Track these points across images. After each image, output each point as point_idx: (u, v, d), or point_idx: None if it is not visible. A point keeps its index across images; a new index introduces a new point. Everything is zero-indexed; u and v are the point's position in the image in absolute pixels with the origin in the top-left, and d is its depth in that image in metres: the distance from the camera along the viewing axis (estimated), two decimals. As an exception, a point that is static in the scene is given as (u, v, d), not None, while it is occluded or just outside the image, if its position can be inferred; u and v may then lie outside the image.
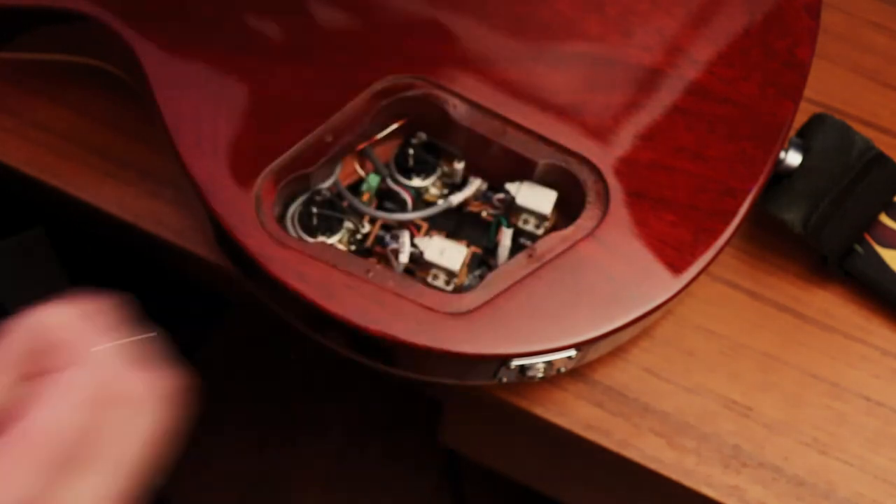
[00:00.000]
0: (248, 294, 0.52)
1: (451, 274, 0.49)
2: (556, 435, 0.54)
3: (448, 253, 0.49)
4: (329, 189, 0.51)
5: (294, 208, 0.50)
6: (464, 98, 0.51)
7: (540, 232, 0.51)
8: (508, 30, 0.53)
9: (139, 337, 0.37)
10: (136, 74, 0.51)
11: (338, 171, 0.51)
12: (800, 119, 0.56)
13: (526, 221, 0.51)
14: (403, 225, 0.51)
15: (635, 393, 0.54)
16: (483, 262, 0.52)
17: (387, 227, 0.52)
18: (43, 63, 0.57)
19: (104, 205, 0.56)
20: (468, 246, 0.52)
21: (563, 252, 0.48)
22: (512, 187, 0.51)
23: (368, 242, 0.51)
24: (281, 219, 0.50)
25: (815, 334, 0.56)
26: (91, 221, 0.60)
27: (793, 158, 0.54)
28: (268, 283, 0.47)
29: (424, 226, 0.52)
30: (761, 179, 0.50)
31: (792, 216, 0.54)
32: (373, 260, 0.49)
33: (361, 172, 0.52)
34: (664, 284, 0.48)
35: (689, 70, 0.52)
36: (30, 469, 0.32)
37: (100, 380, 0.34)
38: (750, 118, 0.51)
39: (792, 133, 0.55)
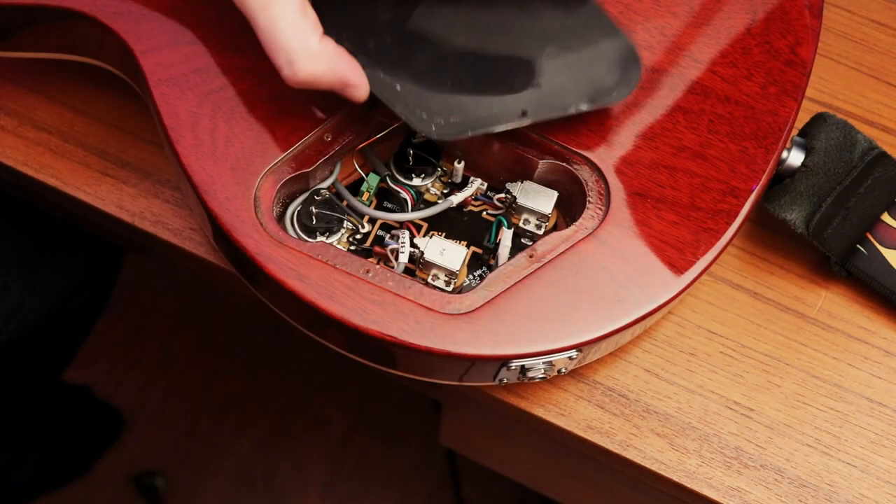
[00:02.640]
0: (250, 296, 0.51)
1: (451, 274, 0.49)
2: (557, 436, 0.54)
3: (448, 253, 0.49)
4: (328, 189, 0.51)
5: (293, 208, 0.50)
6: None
7: (540, 232, 0.51)
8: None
9: None
10: (134, 74, 0.51)
11: (337, 170, 0.51)
12: (802, 118, 0.56)
13: (527, 221, 0.51)
14: (403, 225, 0.51)
15: (636, 394, 0.54)
16: (483, 262, 0.51)
17: (387, 227, 0.51)
18: (41, 62, 0.56)
19: (102, 204, 0.56)
20: (468, 246, 0.51)
21: (564, 252, 0.48)
22: (513, 187, 0.51)
23: (368, 242, 0.51)
24: (280, 219, 0.50)
25: (818, 335, 0.55)
26: (89, 221, 0.60)
27: (795, 158, 0.54)
28: (267, 284, 0.47)
29: (424, 226, 0.52)
30: (763, 179, 0.50)
31: (794, 216, 0.53)
32: (372, 260, 0.49)
33: (361, 172, 0.52)
34: (665, 284, 0.48)
35: (690, 69, 0.52)
36: None
37: None
38: (752, 117, 0.51)
39: (794, 132, 0.55)
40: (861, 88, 0.61)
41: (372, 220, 0.51)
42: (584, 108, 0.48)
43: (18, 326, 0.68)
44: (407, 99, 0.47)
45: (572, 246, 0.48)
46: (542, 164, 0.50)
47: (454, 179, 0.53)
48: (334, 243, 0.50)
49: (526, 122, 0.48)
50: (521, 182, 0.51)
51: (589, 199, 0.49)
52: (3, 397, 0.78)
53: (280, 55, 0.43)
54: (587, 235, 0.48)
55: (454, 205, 0.51)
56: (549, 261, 0.48)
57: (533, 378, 0.48)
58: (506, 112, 0.48)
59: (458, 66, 0.48)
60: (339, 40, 0.47)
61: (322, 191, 0.50)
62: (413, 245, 0.49)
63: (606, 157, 0.50)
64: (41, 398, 0.91)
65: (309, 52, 0.43)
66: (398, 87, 0.48)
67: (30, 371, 0.78)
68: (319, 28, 0.44)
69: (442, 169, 0.53)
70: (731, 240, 0.49)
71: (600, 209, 0.49)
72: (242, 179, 0.47)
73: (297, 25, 0.43)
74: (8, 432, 0.89)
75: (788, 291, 0.56)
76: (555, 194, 0.51)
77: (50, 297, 0.70)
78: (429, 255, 0.49)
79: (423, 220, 0.52)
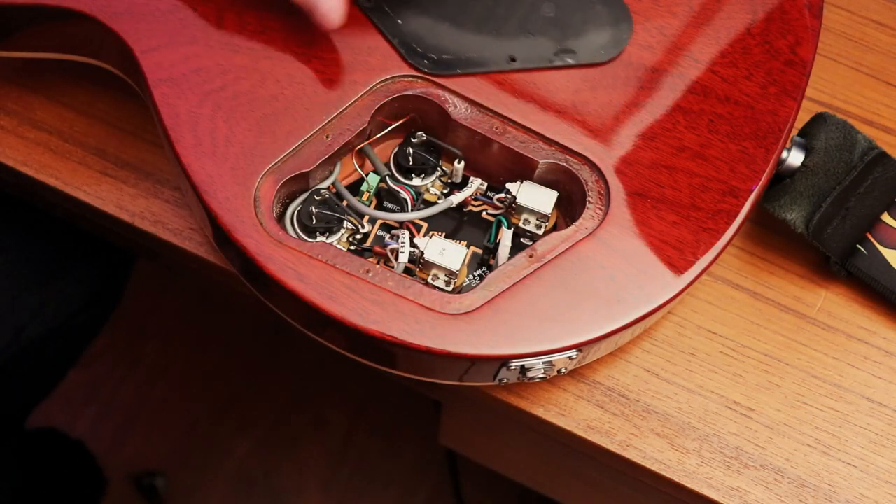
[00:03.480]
0: (250, 298, 0.51)
1: (451, 274, 0.49)
2: (557, 436, 0.54)
3: (448, 253, 0.49)
4: (328, 189, 0.51)
5: (293, 208, 0.50)
6: (463, 97, 0.50)
7: (540, 232, 0.51)
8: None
9: None
10: (133, 74, 0.51)
11: (337, 170, 0.51)
12: (802, 118, 0.56)
13: (526, 221, 0.51)
14: (403, 225, 0.51)
15: (636, 394, 0.54)
16: (483, 262, 0.51)
17: (387, 226, 0.51)
18: (41, 62, 0.56)
19: (102, 204, 0.56)
20: (468, 246, 0.51)
21: (564, 252, 0.48)
22: (513, 187, 0.51)
23: (368, 242, 0.51)
24: (280, 219, 0.50)
25: (817, 335, 0.55)
26: (89, 221, 0.60)
27: (795, 158, 0.54)
28: (267, 284, 0.47)
29: (424, 226, 0.52)
30: (763, 179, 0.50)
31: (794, 216, 0.53)
32: (372, 260, 0.49)
33: (361, 172, 0.52)
34: (665, 284, 0.48)
35: (690, 69, 0.52)
36: None
37: None
38: (752, 117, 0.51)
39: (794, 132, 0.55)
40: (861, 88, 0.61)
41: (372, 220, 0.51)
42: (570, 61, 0.51)
43: (31, 336, 0.68)
44: (404, 31, 0.51)
45: (572, 246, 0.48)
46: (542, 164, 0.50)
47: (454, 179, 0.53)
48: (334, 243, 0.50)
49: (514, 67, 0.51)
50: (521, 182, 0.51)
51: (589, 199, 0.49)
52: (4, 409, 0.77)
53: None
54: (587, 235, 0.48)
55: (454, 205, 0.51)
56: (549, 261, 0.48)
57: (533, 378, 0.48)
58: (495, 56, 0.51)
59: (457, 8, 0.52)
60: None
61: (322, 191, 0.50)
62: (413, 245, 0.49)
63: (606, 156, 0.50)
64: (22, 423, 0.88)
65: None
66: (399, 21, 0.51)
67: (31, 382, 0.78)
68: None
69: (442, 169, 0.53)
70: (731, 240, 0.49)
71: (600, 209, 0.49)
72: (242, 179, 0.47)
73: None
74: None
75: (788, 291, 0.56)
76: (555, 194, 0.51)
77: (64, 307, 0.70)
78: (429, 255, 0.49)
79: (423, 220, 0.52)
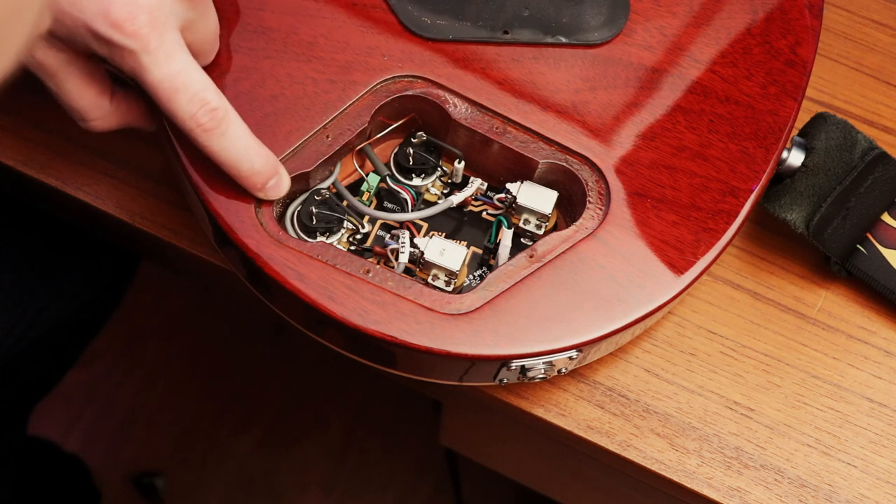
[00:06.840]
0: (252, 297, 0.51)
1: (451, 274, 0.49)
2: (557, 436, 0.54)
3: (448, 253, 0.49)
4: (328, 189, 0.51)
5: (293, 208, 0.50)
6: (463, 97, 0.50)
7: (540, 232, 0.51)
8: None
9: None
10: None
11: (337, 170, 0.51)
12: (802, 118, 0.56)
13: (527, 221, 0.51)
14: (403, 225, 0.51)
15: (636, 394, 0.54)
16: (483, 262, 0.51)
17: (387, 226, 0.51)
18: (41, 62, 0.56)
19: (102, 205, 0.56)
20: (468, 246, 0.51)
21: (564, 252, 0.48)
22: (513, 187, 0.51)
23: (368, 242, 0.51)
24: (280, 219, 0.50)
25: (818, 335, 0.55)
26: (89, 221, 0.60)
27: (795, 158, 0.54)
28: (267, 284, 0.47)
29: (424, 226, 0.52)
30: (763, 179, 0.50)
31: (794, 216, 0.53)
32: (372, 260, 0.49)
33: (361, 172, 0.52)
34: (666, 284, 0.48)
35: (690, 69, 0.52)
36: None
37: None
38: (752, 117, 0.51)
39: (794, 132, 0.55)
40: (861, 88, 0.61)
41: (372, 220, 0.51)
42: (563, 39, 0.52)
43: (34, 334, 0.68)
44: None
45: (572, 246, 0.48)
46: (542, 164, 0.50)
47: (454, 179, 0.53)
48: (334, 243, 0.50)
49: (506, 40, 0.52)
50: (521, 182, 0.51)
51: (589, 199, 0.49)
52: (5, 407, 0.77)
53: (73, 114, 0.48)
54: (587, 235, 0.48)
55: (454, 205, 0.51)
56: (549, 261, 0.48)
57: (533, 378, 0.48)
58: (490, 27, 0.52)
59: None
60: None
61: (322, 191, 0.50)
62: (413, 245, 0.49)
63: (606, 156, 0.50)
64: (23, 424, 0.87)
65: (99, 114, 0.48)
66: None
67: (32, 379, 0.78)
68: (108, 87, 0.48)
69: (442, 169, 0.53)
70: (731, 240, 0.49)
71: (600, 209, 0.49)
72: (242, 179, 0.47)
73: (84, 92, 0.47)
74: None
75: (788, 291, 0.56)
76: (555, 194, 0.51)
77: (67, 305, 0.70)
78: (429, 255, 0.49)
79: (423, 220, 0.52)
